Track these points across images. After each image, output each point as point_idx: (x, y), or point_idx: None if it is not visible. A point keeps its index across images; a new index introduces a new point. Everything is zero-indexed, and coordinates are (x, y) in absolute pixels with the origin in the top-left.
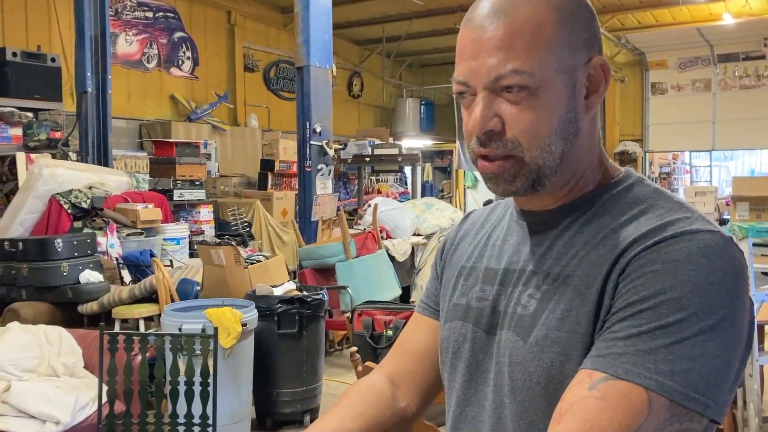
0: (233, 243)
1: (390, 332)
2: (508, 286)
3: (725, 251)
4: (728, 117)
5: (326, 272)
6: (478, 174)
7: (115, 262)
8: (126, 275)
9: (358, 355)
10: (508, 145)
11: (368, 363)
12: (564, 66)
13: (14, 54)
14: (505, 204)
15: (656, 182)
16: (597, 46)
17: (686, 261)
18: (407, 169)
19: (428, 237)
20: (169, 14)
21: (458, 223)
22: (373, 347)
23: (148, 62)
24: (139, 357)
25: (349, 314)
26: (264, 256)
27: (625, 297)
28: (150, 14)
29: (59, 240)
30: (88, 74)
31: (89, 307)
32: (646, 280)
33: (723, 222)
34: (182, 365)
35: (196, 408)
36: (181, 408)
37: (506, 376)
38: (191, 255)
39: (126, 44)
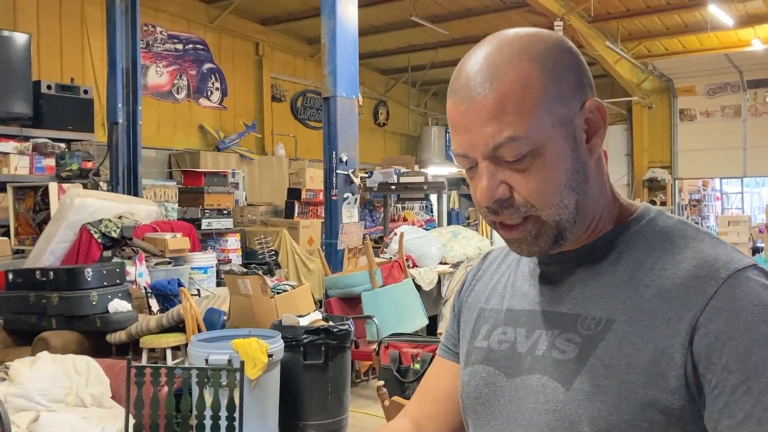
0: (260, 272)
1: (417, 366)
2: (533, 328)
3: None
4: (759, 143)
5: (352, 301)
6: None
7: (143, 291)
8: (154, 304)
9: (384, 390)
10: (521, 209)
11: (395, 398)
12: (559, 119)
13: (49, 87)
14: None
15: (686, 209)
16: (588, 88)
17: (760, 320)
18: (433, 197)
19: (455, 266)
20: (198, 46)
21: (477, 263)
22: (400, 381)
23: (177, 93)
24: (166, 389)
25: (375, 346)
26: (290, 285)
27: (731, 363)
28: (180, 46)
29: (89, 269)
30: (119, 105)
31: (117, 337)
32: (735, 355)
33: (756, 250)
34: (208, 397)
35: None
36: None
37: (542, 424)
38: (218, 284)
39: (156, 75)
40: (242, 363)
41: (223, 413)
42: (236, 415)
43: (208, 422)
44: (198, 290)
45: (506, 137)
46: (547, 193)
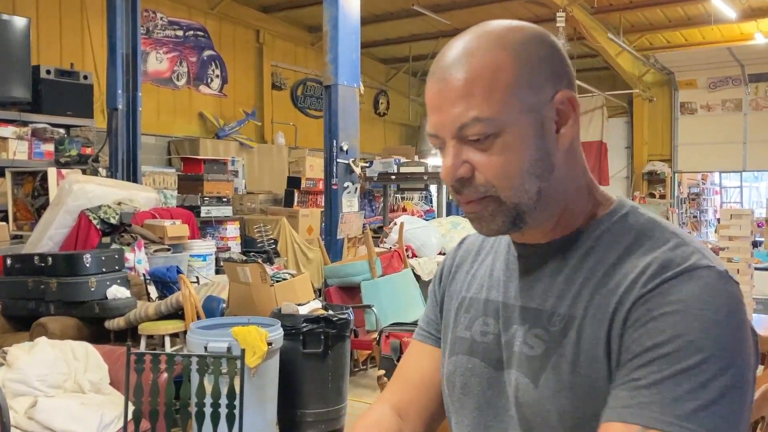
0: (259, 260)
1: None
2: (510, 321)
3: (725, 288)
4: (759, 137)
5: (351, 290)
6: None
7: (142, 277)
8: (153, 291)
9: (385, 379)
10: (480, 189)
11: None
12: (527, 106)
13: (48, 72)
14: None
15: (685, 203)
16: (565, 80)
17: (694, 301)
18: (433, 188)
19: None
20: (199, 33)
21: (454, 249)
22: None
23: (177, 80)
24: (165, 375)
25: (375, 335)
26: (290, 273)
27: (640, 342)
28: (180, 33)
29: (88, 255)
30: (119, 91)
31: (116, 323)
32: (658, 324)
33: (756, 244)
34: (208, 385)
35: (222, 429)
36: (207, 428)
37: (519, 417)
38: (217, 271)
39: (156, 62)
40: (243, 351)
41: (224, 401)
42: (236, 402)
43: (208, 410)
44: (197, 278)
45: (472, 117)
46: (508, 175)
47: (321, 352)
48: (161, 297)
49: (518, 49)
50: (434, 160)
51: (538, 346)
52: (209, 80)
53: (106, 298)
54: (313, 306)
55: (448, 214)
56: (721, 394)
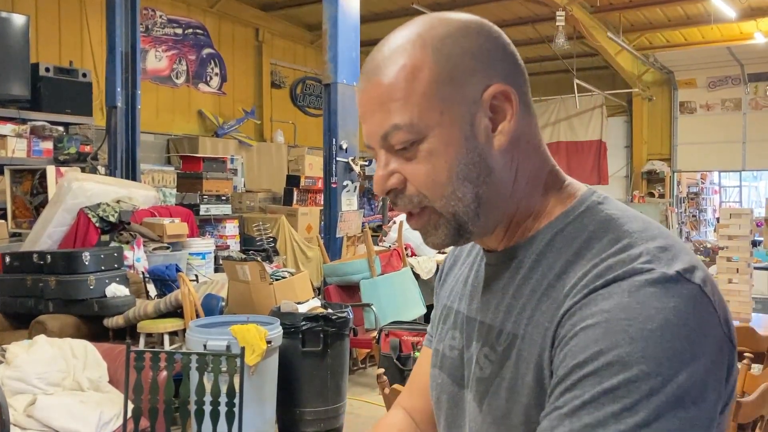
0: (258, 259)
1: (417, 354)
2: (471, 337)
3: (665, 292)
4: (758, 137)
5: (350, 289)
6: None
7: (141, 276)
8: (152, 289)
9: (385, 377)
10: (414, 199)
11: (395, 386)
12: (451, 106)
13: (47, 69)
14: None
15: (684, 202)
16: (498, 72)
17: (619, 311)
18: None
19: None
20: (198, 31)
21: (451, 249)
22: (400, 369)
23: (176, 78)
24: (164, 374)
25: (375, 334)
26: (289, 272)
27: (564, 362)
28: (179, 31)
29: (87, 253)
30: (118, 89)
31: (115, 321)
32: (579, 341)
33: (755, 243)
34: (207, 383)
35: (222, 427)
36: (206, 427)
37: None
38: (216, 270)
39: (155, 60)
40: (243, 349)
41: (223, 399)
42: (236, 401)
43: (207, 408)
44: (196, 276)
45: (391, 125)
46: (437, 183)
47: (320, 351)
48: (160, 295)
49: (438, 45)
50: None
51: (486, 367)
52: (208, 78)
53: (105, 296)
54: (312, 304)
55: None
56: (655, 415)
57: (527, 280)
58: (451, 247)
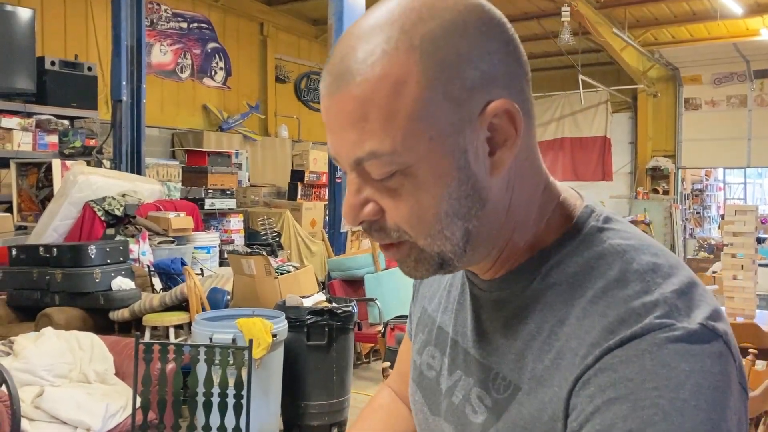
0: (264, 253)
1: None
2: (455, 365)
3: (693, 349)
4: (764, 134)
5: (354, 284)
6: None
7: (146, 269)
8: (157, 283)
9: (390, 371)
10: (392, 234)
11: None
12: (441, 130)
13: (53, 63)
14: None
15: (688, 199)
16: (502, 81)
17: (643, 379)
18: None
19: None
20: (203, 25)
21: None
22: None
23: (181, 72)
24: (171, 365)
25: (380, 328)
26: (294, 266)
27: None
28: (184, 25)
29: (92, 247)
30: (124, 83)
31: (120, 314)
32: (604, 419)
33: (760, 240)
34: (215, 376)
35: (228, 420)
36: (214, 419)
37: None
38: (221, 264)
39: (160, 54)
40: (251, 341)
41: (231, 391)
42: (243, 393)
43: (215, 400)
44: (201, 269)
45: (368, 152)
46: (422, 221)
47: (325, 345)
48: (165, 289)
49: (429, 49)
50: None
51: (480, 412)
52: (213, 73)
53: (111, 289)
54: (317, 299)
55: None
56: None
57: (522, 321)
58: None
